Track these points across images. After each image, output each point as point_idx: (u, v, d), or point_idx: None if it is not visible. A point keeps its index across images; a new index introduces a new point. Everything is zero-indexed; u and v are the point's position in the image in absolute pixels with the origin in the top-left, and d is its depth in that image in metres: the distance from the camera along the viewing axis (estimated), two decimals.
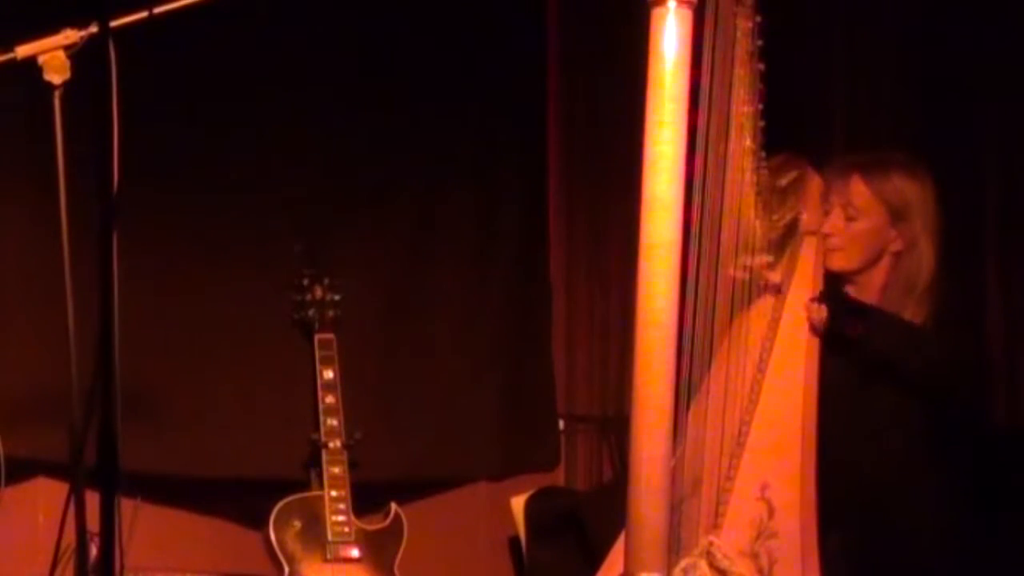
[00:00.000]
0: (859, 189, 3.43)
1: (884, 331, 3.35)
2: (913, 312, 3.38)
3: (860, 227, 3.44)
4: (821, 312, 3.36)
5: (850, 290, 3.52)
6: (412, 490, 4.47)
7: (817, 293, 3.40)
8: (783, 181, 3.46)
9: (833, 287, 3.44)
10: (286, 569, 4.06)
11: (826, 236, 3.46)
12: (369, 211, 4.51)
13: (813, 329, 3.38)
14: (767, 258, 3.41)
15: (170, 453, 4.11)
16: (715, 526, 3.11)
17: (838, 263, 3.47)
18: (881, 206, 3.42)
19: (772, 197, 3.41)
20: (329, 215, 4.45)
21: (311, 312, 4.28)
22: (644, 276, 2.45)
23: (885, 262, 3.46)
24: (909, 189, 3.42)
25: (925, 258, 3.42)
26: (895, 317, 3.38)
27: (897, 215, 3.43)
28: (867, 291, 3.47)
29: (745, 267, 3.33)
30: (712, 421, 3.17)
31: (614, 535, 2.96)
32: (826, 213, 3.47)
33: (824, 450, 3.19)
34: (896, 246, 3.45)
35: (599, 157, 4.76)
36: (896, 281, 3.44)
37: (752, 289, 3.41)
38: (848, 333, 3.34)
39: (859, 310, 3.40)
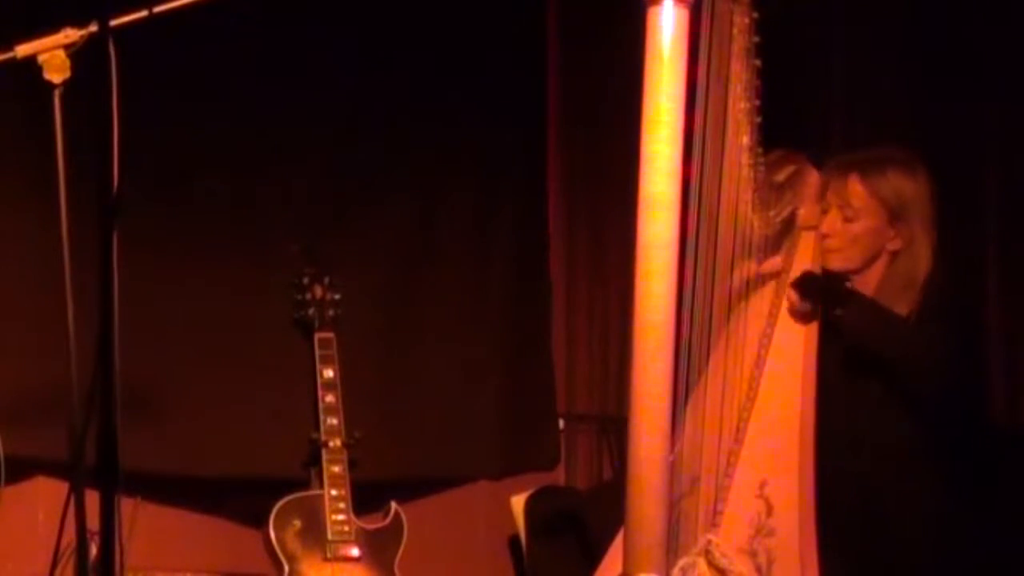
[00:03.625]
0: (857, 190, 3.42)
1: (861, 314, 3.35)
2: (903, 306, 3.39)
3: (859, 228, 3.44)
4: (792, 298, 3.37)
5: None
6: (412, 490, 4.47)
7: (798, 278, 3.40)
8: (780, 177, 3.46)
9: (817, 271, 3.44)
10: (286, 568, 4.06)
11: (824, 237, 3.46)
12: (369, 210, 4.51)
13: (793, 311, 3.38)
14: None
15: (170, 453, 4.11)
16: (713, 524, 3.12)
17: (837, 263, 3.47)
18: (879, 206, 3.42)
19: (769, 193, 3.42)
20: (329, 215, 4.46)
21: (311, 311, 4.28)
22: (642, 276, 2.45)
23: (882, 260, 3.47)
24: (907, 188, 3.42)
25: (922, 256, 3.42)
26: (874, 303, 3.38)
27: (895, 215, 3.43)
28: (863, 288, 3.48)
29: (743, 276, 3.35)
30: (710, 419, 3.18)
31: (613, 534, 2.96)
32: (823, 212, 3.47)
33: (820, 450, 3.20)
34: (894, 245, 3.45)
35: (599, 156, 4.76)
36: (893, 278, 3.44)
37: (750, 285, 3.42)
38: (828, 315, 3.36)
39: (840, 292, 3.40)
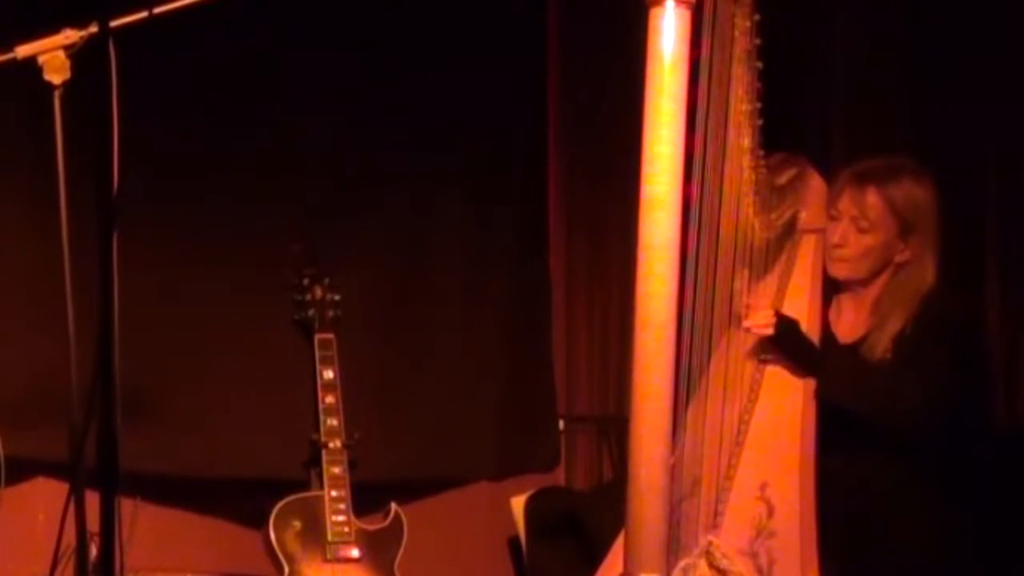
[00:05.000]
0: (874, 202, 3.40)
1: (834, 380, 3.34)
2: (902, 316, 3.38)
3: (872, 240, 3.42)
4: (766, 328, 3.36)
5: (845, 297, 3.51)
6: (412, 490, 4.47)
7: (778, 324, 3.38)
8: (781, 179, 3.46)
9: (796, 325, 3.41)
10: (286, 569, 4.06)
11: (836, 247, 3.44)
12: (369, 211, 4.51)
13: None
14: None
15: (170, 453, 4.11)
16: (714, 525, 3.12)
17: (843, 272, 3.47)
18: (894, 220, 3.41)
19: (770, 195, 3.42)
20: (329, 215, 4.45)
21: (311, 312, 4.28)
22: (643, 276, 2.44)
23: (888, 272, 3.46)
24: (921, 203, 3.41)
25: (928, 269, 3.42)
26: (845, 366, 3.37)
27: (907, 228, 3.41)
28: (863, 299, 3.47)
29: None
30: (711, 421, 3.18)
31: (614, 535, 2.96)
32: (832, 219, 3.45)
33: (819, 459, 3.20)
34: (903, 257, 3.44)
35: (599, 157, 4.77)
36: (896, 290, 3.43)
37: (751, 287, 3.42)
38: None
39: (810, 355, 3.39)
